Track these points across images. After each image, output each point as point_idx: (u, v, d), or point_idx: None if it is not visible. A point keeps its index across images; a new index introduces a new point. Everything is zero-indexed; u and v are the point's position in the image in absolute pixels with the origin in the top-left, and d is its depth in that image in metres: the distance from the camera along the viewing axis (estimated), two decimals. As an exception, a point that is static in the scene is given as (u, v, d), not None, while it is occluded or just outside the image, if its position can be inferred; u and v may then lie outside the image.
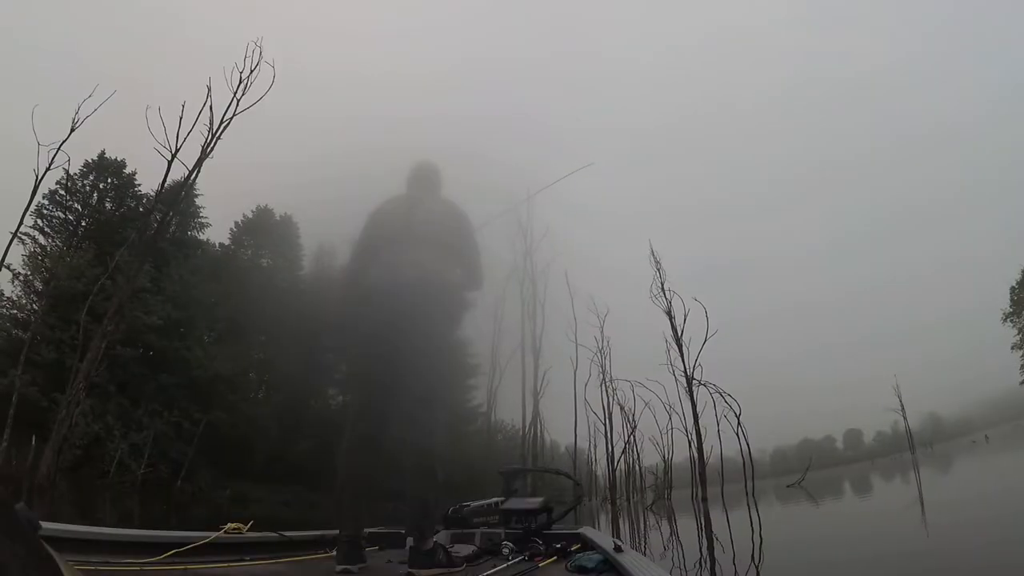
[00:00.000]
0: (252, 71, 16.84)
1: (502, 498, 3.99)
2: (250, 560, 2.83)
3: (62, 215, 25.83)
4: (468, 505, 3.94)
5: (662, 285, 22.69)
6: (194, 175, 16.87)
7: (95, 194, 27.10)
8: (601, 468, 28.00)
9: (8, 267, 22.31)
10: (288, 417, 26.65)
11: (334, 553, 2.77)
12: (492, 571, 2.69)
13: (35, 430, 16.59)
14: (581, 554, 2.93)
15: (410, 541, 3.46)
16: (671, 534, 9.26)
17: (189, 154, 16.51)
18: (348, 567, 2.66)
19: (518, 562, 2.99)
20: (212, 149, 16.48)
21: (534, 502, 3.86)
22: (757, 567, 4.58)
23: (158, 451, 22.26)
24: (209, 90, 16.27)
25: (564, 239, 34.41)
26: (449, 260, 3.09)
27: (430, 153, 3.88)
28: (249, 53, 16.93)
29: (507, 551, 3.26)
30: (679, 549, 6.83)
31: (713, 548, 6.47)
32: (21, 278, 23.11)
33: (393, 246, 3.09)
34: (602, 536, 3.27)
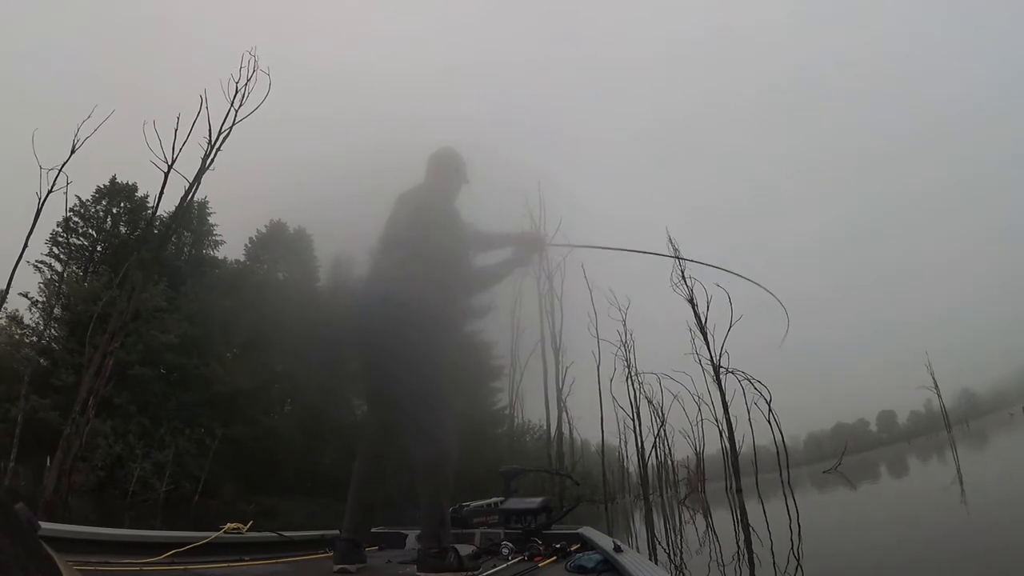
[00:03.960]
0: (248, 81, 17.00)
1: (502, 498, 3.99)
2: (250, 560, 2.84)
3: (77, 241, 26.26)
4: (468, 505, 3.93)
5: (683, 273, 22.49)
6: (195, 187, 16.92)
7: (108, 219, 27.55)
8: (632, 464, 27.76)
9: (27, 295, 22.76)
10: (312, 429, 26.68)
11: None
12: (492, 571, 2.69)
13: (54, 454, 16.78)
14: (581, 554, 2.94)
15: (410, 542, 3.47)
16: (707, 528, 9.18)
17: (193, 169, 16.69)
18: (346, 566, 2.65)
19: (518, 562, 2.99)
20: (212, 161, 16.61)
21: (534, 502, 3.86)
22: (799, 560, 4.51)
23: (181, 468, 22.46)
24: (203, 100, 16.40)
25: (578, 235, 33.46)
26: (437, 267, 2.98)
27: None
28: (245, 63, 17.10)
29: (507, 551, 3.26)
30: (716, 544, 6.78)
31: (751, 542, 6.40)
32: (39, 305, 23.46)
33: (385, 254, 3.11)
34: (602, 536, 3.27)
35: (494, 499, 4.00)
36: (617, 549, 2.66)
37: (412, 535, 3.53)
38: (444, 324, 2.95)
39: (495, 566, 2.82)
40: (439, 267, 2.97)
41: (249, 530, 3.07)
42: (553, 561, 3.00)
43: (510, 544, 3.34)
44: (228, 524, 3.00)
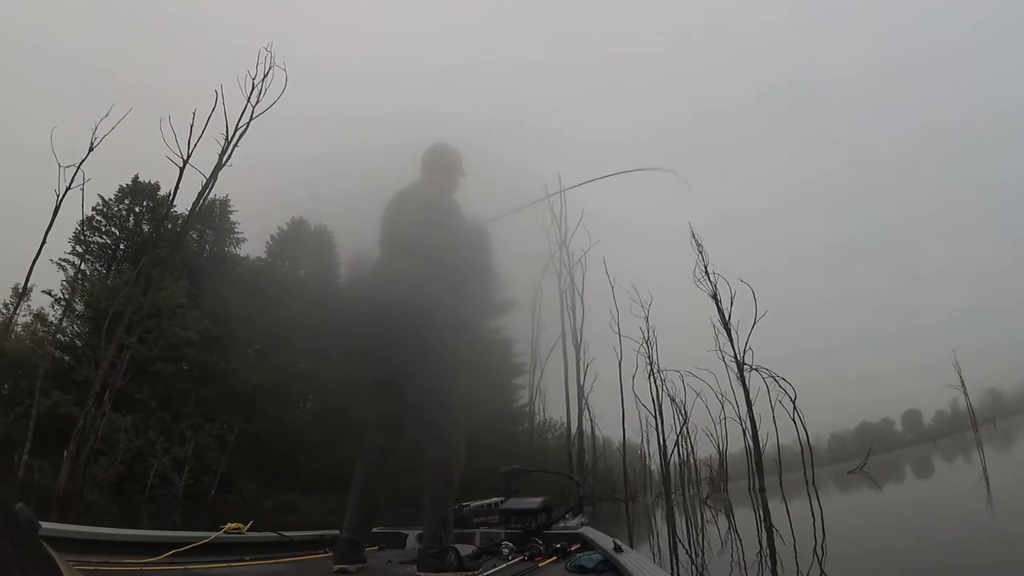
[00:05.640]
0: (265, 76, 17.13)
1: (502, 498, 3.97)
2: (250, 560, 2.86)
3: (100, 240, 26.67)
4: (468, 505, 3.92)
5: (705, 268, 22.24)
6: (212, 182, 17.05)
7: (131, 217, 27.94)
8: (654, 462, 27.48)
9: (49, 293, 23.17)
10: (331, 425, 26.76)
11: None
12: (492, 571, 2.67)
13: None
14: (581, 554, 2.94)
15: (410, 542, 3.46)
16: (729, 528, 9.12)
17: (212, 166, 16.82)
18: (346, 567, 2.65)
19: (518, 562, 2.97)
20: (229, 157, 16.73)
21: (534, 502, 3.84)
22: (820, 562, 4.46)
23: (200, 463, 22.70)
24: (218, 95, 16.57)
25: (595, 232, 32.77)
26: (448, 266, 2.98)
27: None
28: (261, 60, 17.25)
29: (507, 551, 3.24)
30: (738, 544, 6.73)
31: (773, 542, 6.34)
32: (61, 302, 23.85)
33: (395, 254, 3.10)
34: (602, 536, 3.24)
35: (495, 499, 3.99)
36: (617, 549, 2.65)
37: (412, 535, 3.54)
38: (456, 324, 2.95)
39: (495, 566, 2.81)
40: (450, 266, 2.97)
41: (249, 530, 3.08)
42: (553, 561, 3.00)
43: (510, 544, 3.34)
44: (228, 524, 3.02)
